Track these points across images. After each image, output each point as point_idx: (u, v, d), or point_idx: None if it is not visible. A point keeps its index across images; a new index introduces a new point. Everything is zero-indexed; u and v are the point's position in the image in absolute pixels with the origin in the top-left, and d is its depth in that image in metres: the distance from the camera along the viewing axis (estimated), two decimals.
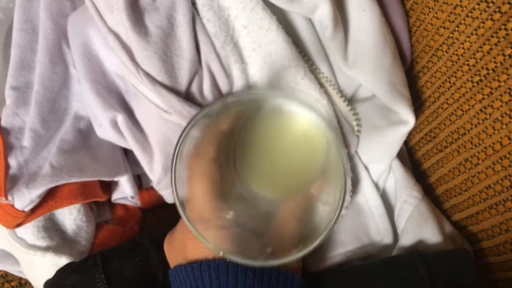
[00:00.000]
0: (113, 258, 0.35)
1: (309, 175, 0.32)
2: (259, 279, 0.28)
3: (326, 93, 0.38)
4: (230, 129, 0.31)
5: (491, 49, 0.32)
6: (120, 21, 0.32)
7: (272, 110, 0.32)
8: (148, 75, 0.32)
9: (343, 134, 0.39)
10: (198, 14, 0.35)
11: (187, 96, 0.34)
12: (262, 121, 0.32)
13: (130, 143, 0.36)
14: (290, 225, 0.30)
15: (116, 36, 0.33)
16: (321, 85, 0.38)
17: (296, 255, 0.27)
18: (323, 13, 0.34)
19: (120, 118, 0.35)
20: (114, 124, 0.35)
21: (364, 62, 0.37)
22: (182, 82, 0.34)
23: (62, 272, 0.34)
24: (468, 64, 0.34)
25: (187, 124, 0.26)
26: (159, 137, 0.35)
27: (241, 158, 0.32)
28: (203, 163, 0.29)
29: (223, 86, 0.35)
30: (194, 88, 0.34)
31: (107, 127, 0.35)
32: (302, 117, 0.31)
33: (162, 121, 0.35)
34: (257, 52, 0.35)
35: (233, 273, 0.28)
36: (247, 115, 0.32)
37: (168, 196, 0.39)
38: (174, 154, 0.27)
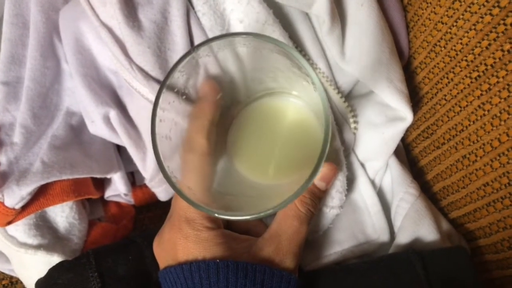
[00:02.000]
0: (106, 256, 0.35)
1: (306, 161, 0.31)
2: (252, 280, 0.27)
3: None
4: (221, 119, 0.31)
5: (489, 44, 0.31)
6: (113, 15, 0.32)
7: (265, 100, 0.33)
8: (141, 70, 0.32)
9: (340, 131, 0.39)
10: (193, 8, 0.34)
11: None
12: (255, 111, 0.32)
13: (123, 139, 0.35)
14: (290, 224, 0.30)
15: (109, 30, 0.32)
16: None
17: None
18: (320, 7, 0.34)
19: (113, 114, 0.34)
20: (107, 120, 0.35)
21: (362, 57, 0.37)
22: None
23: (54, 271, 0.34)
24: (466, 60, 0.34)
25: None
26: None
27: (235, 148, 0.32)
28: (194, 158, 0.28)
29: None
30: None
31: (99, 123, 0.35)
32: (295, 105, 0.32)
33: None
34: None
35: (224, 273, 0.27)
36: (240, 106, 0.32)
37: (161, 194, 0.39)
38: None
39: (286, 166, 0.32)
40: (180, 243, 0.29)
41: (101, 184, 0.41)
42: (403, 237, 0.38)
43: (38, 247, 0.36)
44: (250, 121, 0.33)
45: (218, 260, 0.27)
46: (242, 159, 0.33)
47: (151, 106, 0.33)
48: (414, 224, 0.38)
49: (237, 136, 0.33)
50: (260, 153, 0.33)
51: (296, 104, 0.33)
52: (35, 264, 0.36)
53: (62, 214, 0.38)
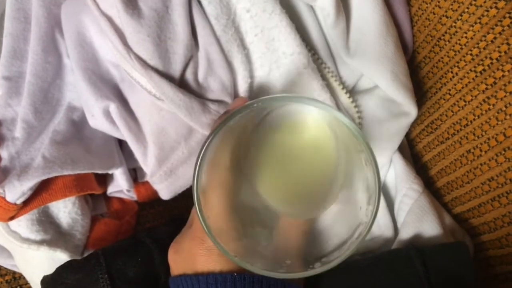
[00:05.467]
0: (116, 257, 0.34)
1: (322, 188, 0.30)
2: None
3: (328, 86, 0.37)
4: (240, 135, 0.30)
5: (495, 38, 0.31)
6: (113, 4, 0.31)
7: (281, 117, 0.31)
8: (140, 59, 0.31)
9: None
10: None
11: (181, 83, 0.33)
12: (271, 130, 0.31)
13: (123, 133, 0.35)
14: (295, 239, 0.30)
15: (109, 19, 0.32)
16: (323, 77, 0.37)
17: (311, 271, 0.26)
18: (326, 1, 0.34)
19: (113, 107, 0.34)
20: (107, 114, 0.35)
21: (366, 51, 0.36)
22: (176, 68, 0.33)
23: (62, 270, 0.33)
24: (471, 54, 0.34)
25: (211, 134, 0.25)
26: (153, 127, 0.35)
27: (252, 168, 0.31)
28: (220, 171, 0.28)
29: (222, 73, 0.34)
30: (189, 75, 0.33)
31: (99, 116, 0.35)
32: (314, 126, 0.30)
33: (156, 109, 0.34)
34: (259, 37, 0.34)
35: (241, 286, 0.27)
36: (256, 121, 0.31)
37: (162, 191, 0.38)
38: (196, 163, 0.25)
39: (302, 195, 0.31)
40: (202, 254, 0.28)
41: (104, 180, 0.40)
42: (406, 233, 0.38)
43: (41, 242, 0.36)
44: (266, 141, 0.31)
45: (235, 274, 0.27)
46: (262, 180, 0.31)
47: (150, 97, 0.33)
48: (417, 220, 0.37)
49: (254, 156, 0.31)
50: (277, 178, 0.31)
51: (314, 120, 0.31)
52: (38, 260, 0.36)
53: (65, 209, 0.37)
